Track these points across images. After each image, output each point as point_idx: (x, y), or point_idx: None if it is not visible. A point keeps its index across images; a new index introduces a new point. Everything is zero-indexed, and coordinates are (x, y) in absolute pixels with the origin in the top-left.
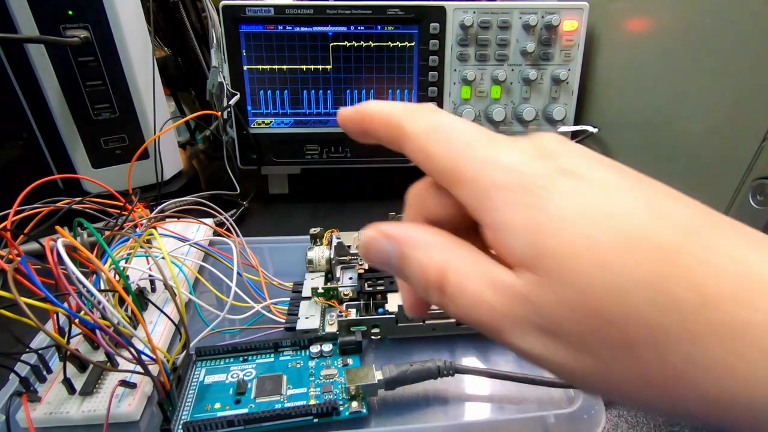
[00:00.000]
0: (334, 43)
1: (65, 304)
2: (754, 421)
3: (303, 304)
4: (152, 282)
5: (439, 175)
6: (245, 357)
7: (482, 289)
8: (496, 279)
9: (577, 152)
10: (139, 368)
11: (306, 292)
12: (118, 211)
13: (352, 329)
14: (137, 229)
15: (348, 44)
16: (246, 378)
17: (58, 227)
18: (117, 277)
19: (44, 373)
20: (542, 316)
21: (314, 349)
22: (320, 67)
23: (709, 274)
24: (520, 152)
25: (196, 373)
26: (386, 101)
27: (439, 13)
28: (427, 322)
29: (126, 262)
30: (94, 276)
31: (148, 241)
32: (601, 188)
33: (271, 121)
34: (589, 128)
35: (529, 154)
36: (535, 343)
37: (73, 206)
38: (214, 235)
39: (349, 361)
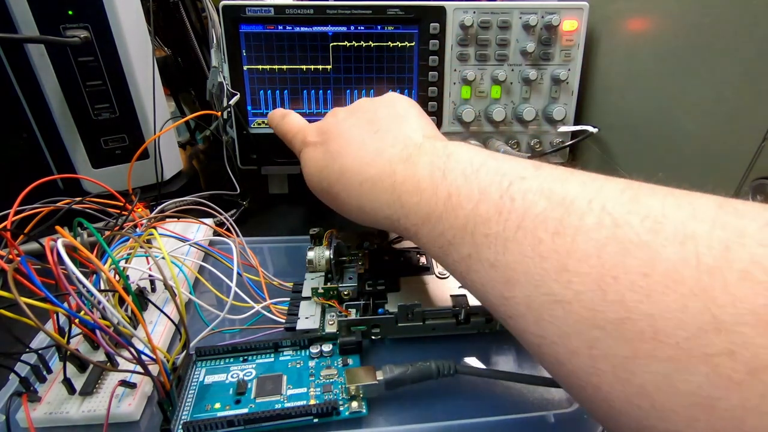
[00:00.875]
0: (334, 43)
1: (65, 304)
2: (376, 224)
3: (303, 304)
4: (152, 282)
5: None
6: (245, 357)
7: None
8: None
9: (326, 122)
10: (139, 368)
11: (306, 292)
12: (118, 211)
13: (352, 329)
14: (137, 229)
15: (348, 44)
16: (246, 378)
17: (58, 227)
18: (117, 277)
19: (44, 373)
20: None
21: (314, 349)
22: (320, 67)
23: (331, 174)
24: (296, 142)
25: (196, 373)
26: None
27: (439, 13)
28: (427, 322)
29: (126, 262)
30: (94, 276)
31: (148, 241)
32: (320, 147)
33: None
34: (589, 128)
35: (300, 140)
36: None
37: (73, 206)
38: (214, 235)
39: (349, 361)
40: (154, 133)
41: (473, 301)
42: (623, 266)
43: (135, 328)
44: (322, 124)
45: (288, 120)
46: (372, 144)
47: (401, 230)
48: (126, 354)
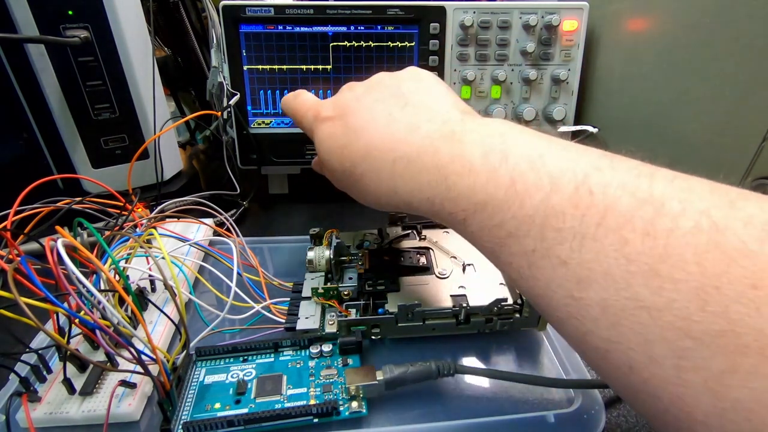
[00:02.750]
0: (334, 43)
1: (65, 304)
2: (409, 208)
3: (303, 304)
4: (152, 282)
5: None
6: (245, 357)
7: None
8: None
9: (343, 97)
10: (139, 368)
11: (306, 292)
12: (118, 211)
13: (352, 329)
14: (137, 229)
15: (348, 44)
16: (246, 378)
17: (58, 227)
18: (117, 277)
19: (44, 373)
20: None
21: (314, 349)
22: (320, 67)
23: (355, 152)
24: (309, 119)
25: (196, 373)
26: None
27: (439, 13)
28: (427, 322)
29: (126, 262)
30: (94, 276)
31: (148, 241)
32: (338, 123)
33: (271, 121)
34: (589, 128)
35: (313, 117)
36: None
37: (73, 206)
38: (214, 235)
39: (349, 361)
40: (154, 133)
41: (473, 301)
42: (727, 276)
43: (135, 328)
44: (338, 99)
45: (300, 98)
46: (403, 119)
47: (444, 215)
48: (126, 354)
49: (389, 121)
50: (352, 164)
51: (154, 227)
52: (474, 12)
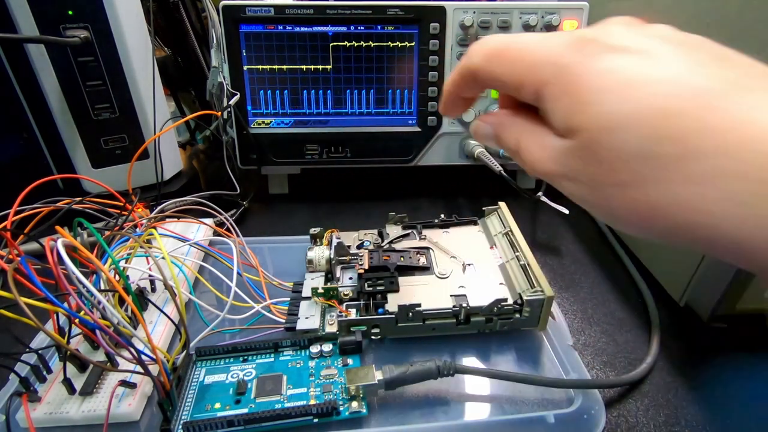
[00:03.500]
0: (334, 43)
1: (65, 304)
2: (710, 241)
3: (303, 304)
4: (152, 282)
5: (507, 88)
6: (245, 357)
7: (538, 152)
8: (548, 145)
9: (636, 32)
10: (139, 368)
11: (306, 292)
12: (118, 211)
13: (352, 329)
14: (137, 229)
15: (348, 44)
16: (246, 378)
17: (58, 227)
18: (117, 277)
19: (44, 373)
20: (570, 168)
21: (314, 349)
22: (320, 67)
23: (700, 132)
24: (560, 47)
25: (196, 373)
26: (453, 72)
27: (439, 13)
28: (427, 322)
29: (126, 262)
30: (94, 276)
31: (148, 241)
32: (647, 62)
33: (271, 121)
34: None
35: (568, 45)
36: (567, 186)
37: (73, 206)
38: (214, 235)
39: (349, 361)
40: (154, 133)
41: (473, 301)
42: None
43: (135, 328)
44: (632, 35)
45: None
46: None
47: None
48: (126, 354)
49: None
50: (691, 153)
51: (154, 227)
52: (474, 12)
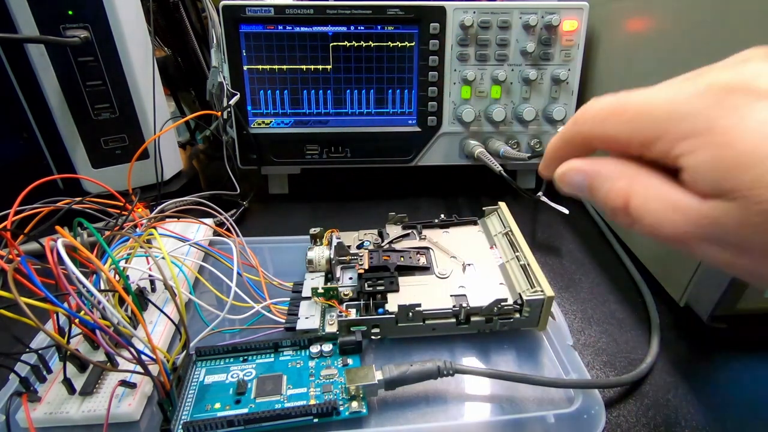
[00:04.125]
0: (334, 43)
1: (65, 304)
2: None
3: (303, 304)
4: (152, 282)
5: (627, 148)
6: (245, 357)
7: (665, 212)
8: (679, 202)
9: None
10: (139, 368)
11: (306, 292)
12: (118, 211)
13: (352, 329)
14: (137, 229)
15: (348, 44)
16: (246, 378)
17: (58, 227)
18: (117, 277)
19: (44, 373)
20: (726, 233)
21: (314, 349)
22: (320, 67)
23: None
24: (697, 98)
25: (196, 373)
26: (556, 137)
27: (439, 13)
28: (427, 322)
29: (126, 262)
30: (94, 276)
31: (148, 241)
32: None
33: (271, 121)
34: None
35: (706, 96)
36: (719, 253)
37: (73, 206)
38: (214, 235)
39: (349, 361)
40: (154, 133)
41: (473, 301)
42: None
43: (135, 328)
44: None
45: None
46: None
47: None
48: (126, 354)
49: None
50: None
51: (154, 227)
52: (474, 12)
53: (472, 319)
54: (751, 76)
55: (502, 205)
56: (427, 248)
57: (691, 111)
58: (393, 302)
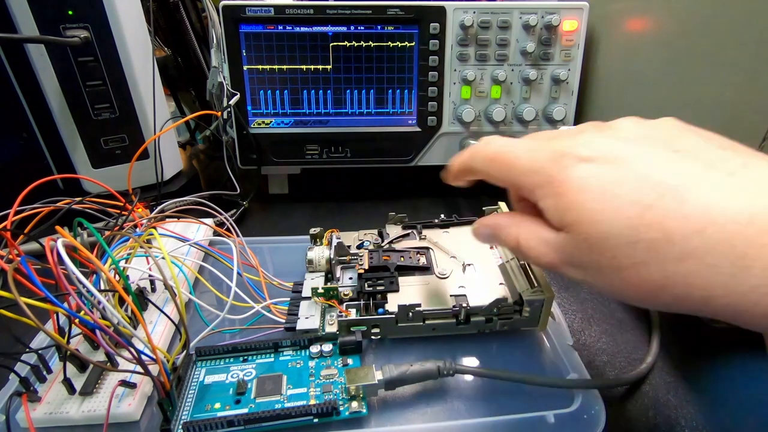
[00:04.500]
0: (334, 43)
1: (65, 304)
2: (712, 309)
3: (303, 304)
4: (152, 282)
5: (505, 186)
6: (245, 357)
7: (539, 247)
8: (547, 239)
9: (602, 137)
10: (139, 368)
11: (306, 292)
12: (118, 211)
13: (352, 329)
14: (137, 229)
15: (348, 44)
16: (246, 378)
17: (58, 227)
18: (117, 277)
19: (44, 373)
20: (572, 257)
21: (314, 349)
22: (320, 67)
23: (673, 219)
24: (543, 160)
25: (196, 373)
26: (458, 161)
27: (439, 13)
28: (427, 322)
29: (126, 262)
30: (94, 276)
31: (148, 241)
32: (614, 166)
33: (271, 121)
34: None
35: (549, 157)
36: (572, 272)
37: (73, 206)
38: (214, 235)
39: (349, 361)
40: (154, 133)
41: (473, 301)
42: None
43: (135, 328)
44: (598, 142)
45: (499, 142)
46: (734, 183)
47: None
48: (126, 354)
49: (717, 185)
50: (666, 236)
51: (154, 227)
52: (474, 12)
53: (472, 319)
54: (578, 145)
55: (502, 205)
56: (427, 248)
57: (542, 167)
58: (393, 302)
